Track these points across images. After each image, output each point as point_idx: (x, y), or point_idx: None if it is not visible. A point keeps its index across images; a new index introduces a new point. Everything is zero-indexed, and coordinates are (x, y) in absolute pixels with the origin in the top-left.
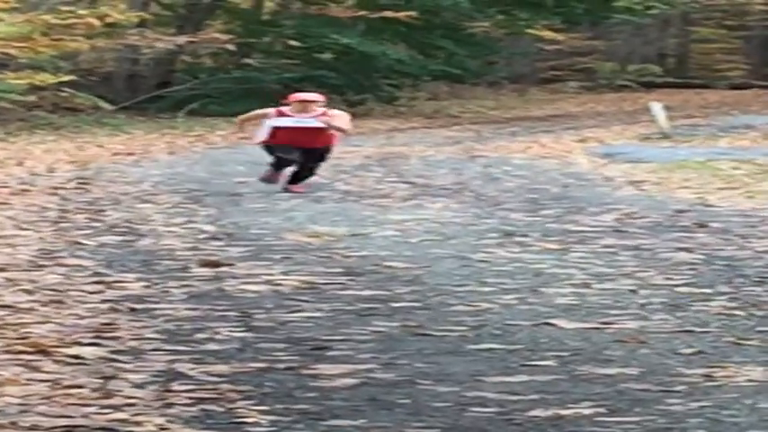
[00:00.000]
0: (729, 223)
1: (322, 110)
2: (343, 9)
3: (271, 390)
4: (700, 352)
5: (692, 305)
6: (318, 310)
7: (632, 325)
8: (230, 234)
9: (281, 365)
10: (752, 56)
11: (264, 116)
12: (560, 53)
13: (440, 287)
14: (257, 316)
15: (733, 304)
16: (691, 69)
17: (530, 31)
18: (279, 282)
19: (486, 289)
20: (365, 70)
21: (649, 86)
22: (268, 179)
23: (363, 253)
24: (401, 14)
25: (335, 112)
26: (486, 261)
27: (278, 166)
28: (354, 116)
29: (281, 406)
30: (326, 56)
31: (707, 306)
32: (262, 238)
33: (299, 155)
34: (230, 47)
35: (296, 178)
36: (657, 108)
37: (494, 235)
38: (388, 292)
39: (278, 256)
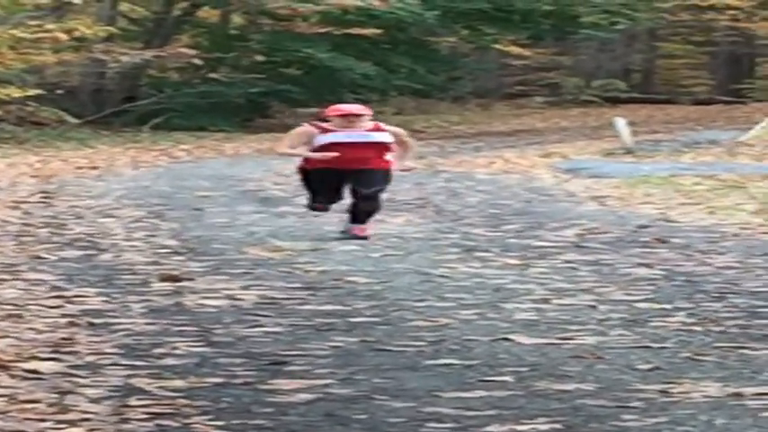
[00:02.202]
0: (690, 239)
1: (372, 124)
2: (310, 25)
3: (227, 405)
4: (657, 368)
5: (650, 321)
6: (277, 324)
7: (590, 340)
8: (192, 248)
9: (239, 380)
10: (717, 71)
11: (303, 134)
12: (526, 68)
13: (399, 302)
14: (216, 331)
15: (691, 320)
16: (656, 85)
17: (496, 46)
18: (239, 296)
19: (446, 304)
20: (331, 85)
21: (614, 102)
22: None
23: (324, 268)
24: (367, 31)
25: (390, 127)
26: (446, 276)
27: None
28: None
29: (238, 421)
30: (292, 71)
31: (665, 322)
32: (223, 252)
33: (338, 200)
34: (197, 61)
35: (359, 214)
36: (621, 123)
37: (455, 250)
38: (348, 307)
39: (239, 271)
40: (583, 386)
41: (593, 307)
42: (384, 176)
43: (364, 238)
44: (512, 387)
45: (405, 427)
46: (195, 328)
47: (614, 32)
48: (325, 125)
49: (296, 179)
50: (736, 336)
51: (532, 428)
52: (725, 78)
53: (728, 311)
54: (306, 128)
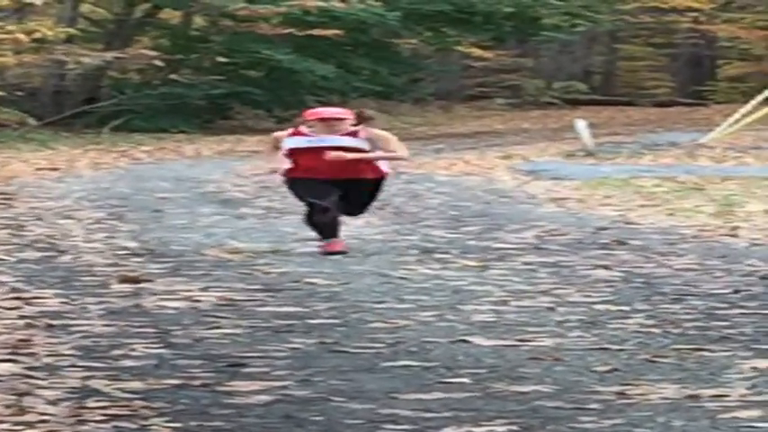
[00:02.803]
0: (649, 241)
1: (355, 129)
2: (272, 26)
3: (185, 407)
4: (615, 369)
5: (608, 323)
6: (236, 326)
7: (548, 342)
8: (151, 250)
9: (197, 382)
10: (678, 74)
11: (278, 137)
12: (487, 70)
13: (358, 304)
14: (174, 332)
15: (650, 322)
16: (617, 87)
17: (458, 47)
18: (198, 298)
19: (405, 306)
20: (292, 87)
21: (575, 103)
22: (327, 250)
23: (283, 269)
24: (328, 32)
25: (378, 131)
26: (405, 278)
27: (323, 224)
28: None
29: (195, 423)
30: (253, 72)
31: (624, 323)
32: (183, 254)
33: (335, 193)
34: (158, 63)
35: (327, 230)
36: (582, 125)
37: (414, 252)
38: (307, 309)
39: (198, 273)
40: (540, 388)
41: (552, 309)
42: (372, 191)
43: (338, 251)
44: (469, 389)
45: (362, 429)
46: (154, 330)
47: (575, 34)
48: (302, 129)
49: (256, 180)
50: (694, 337)
51: (490, 430)
52: (686, 80)
53: (687, 313)
54: (278, 133)
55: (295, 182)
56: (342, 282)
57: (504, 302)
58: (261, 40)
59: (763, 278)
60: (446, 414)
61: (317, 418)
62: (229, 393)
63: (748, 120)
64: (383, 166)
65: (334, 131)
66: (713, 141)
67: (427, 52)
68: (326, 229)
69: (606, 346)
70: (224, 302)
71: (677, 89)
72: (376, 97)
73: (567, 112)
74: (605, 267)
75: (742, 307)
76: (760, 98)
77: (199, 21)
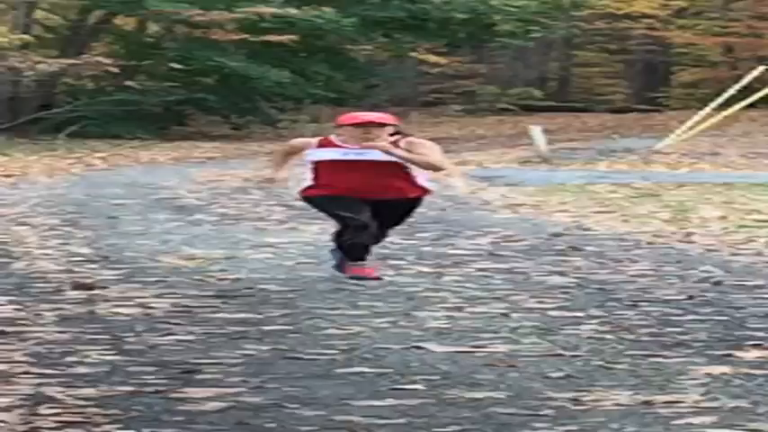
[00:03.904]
0: (604, 247)
1: (394, 138)
2: (226, 32)
3: (138, 413)
4: (568, 376)
5: (563, 329)
6: (190, 333)
7: (503, 348)
8: (105, 257)
9: (150, 389)
10: (633, 80)
11: (298, 144)
12: (442, 76)
13: (312, 310)
14: (128, 339)
15: (604, 328)
16: (572, 93)
17: (413, 54)
18: (151, 305)
19: (359, 312)
20: (247, 93)
21: (530, 110)
22: (355, 275)
23: (238, 276)
24: (284, 38)
25: (418, 140)
26: (359, 284)
27: (351, 241)
28: (235, 139)
29: (148, 430)
30: (208, 79)
31: (578, 330)
32: (137, 260)
33: (366, 209)
34: (113, 69)
35: (354, 251)
36: (537, 131)
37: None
38: (261, 316)
39: (152, 279)
40: (494, 394)
41: (506, 315)
42: (409, 204)
43: (371, 277)
44: (423, 395)
45: None
46: (107, 337)
47: (529, 41)
48: (333, 138)
49: (211, 186)
50: (648, 344)
51: None
52: (641, 87)
53: (641, 319)
54: (298, 141)
55: (319, 200)
56: (296, 288)
57: (459, 309)
58: (215, 47)
59: (716, 284)
60: (400, 420)
61: (270, 425)
62: (182, 400)
63: (703, 126)
64: (425, 182)
65: (372, 140)
66: (668, 147)
67: (382, 58)
68: (355, 250)
69: (560, 352)
70: (178, 309)
71: (632, 95)
72: (331, 103)
73: (522, 119)
74: (560, 273)
75: (696, 313)
76: (715, 104)
77: (153, 27)
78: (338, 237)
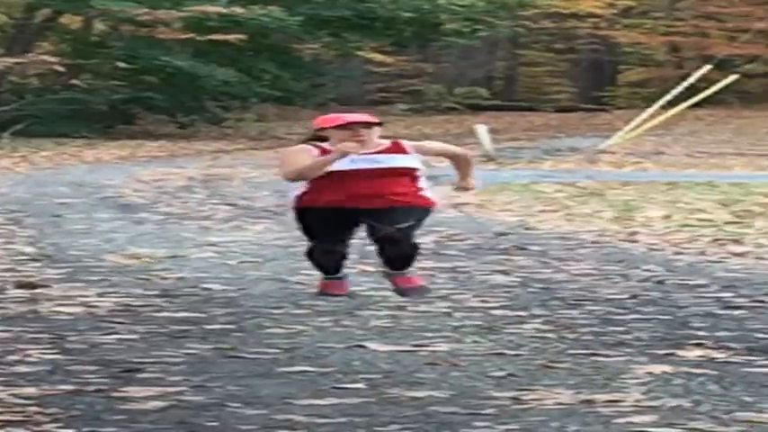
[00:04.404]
0: (548, 246)
1: (388, 141)
2: (172, 31)
3: (79, 413)
4: (510, 375)
5: (505, 328)
6: (132, 332)
7: (445, 347)
8: (49, 255)
9: (91, 388)
10: (579, 79)
11: (301, 151)
12: (389, 75)
13: (255, 309)
14: (70, 338)
15: (547, 327)
16: (518, 92)
17: (359, 53)
18: (94, 303)
19: (302, 311)
20: (193, 92)
21: (476, 109)
22: (324, 291)
23: (181, 275)
24: (230, 37)
25: (416, 143)
26: (303, 283)
27: (327, 263)
28: (181, 137)
29: (89, 429)
30: (154, 78)
31: (520, 329)
32: (80, 259)
33: (350, 237)
34: (59, 68)
35: (400, 260)
36: (482, 130)
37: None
38: (204, 314)
39: (95, 278)
40: (436, 393)
41: (449, 314)
42: (417, 212)
43: (416, 289)
44: (365, 394)
45: None
46: (49, 336)
47: (475, 40)
48: (325, 145)
49: (156, 185)
50: (590, 343)
51: None
52: (587, 86)
53: (584, 318)
54: (302, 146)
55: (312, 214)
56: (239, 287)
57: (402, 308)
58: (161, 46)
59: (659, 283)
60: (341, 419)
61: (212, 424)
62: (124, 399)
63: (648, 125)
64: (431, 193)
65: (361, 144)
66: (613, 147)
67: (328, 57)
68: (329, 267)
69: (502, 351)
70: (120, 308)
71: (578, 95)
72: (277, 102)
73: (468, 118)
74: (503, 272)
75: (638, 312)
76: (660, 103)
77: (99, 26)
78: (314, 247)
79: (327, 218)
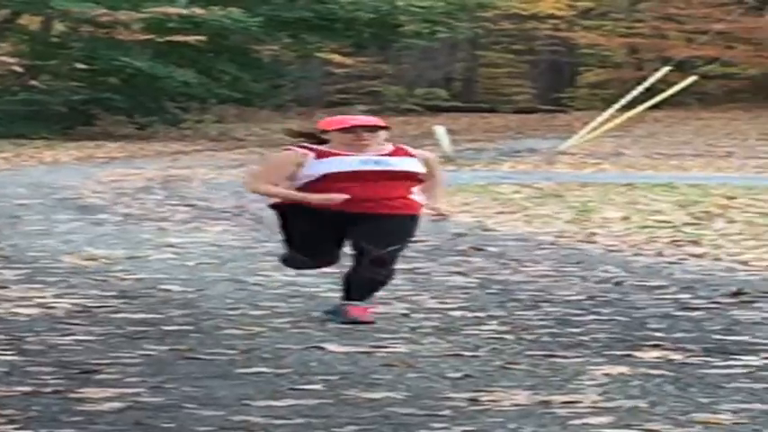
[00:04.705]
0: (506, 247)
1: (392, 145)
2: (132, 32)
3: (36, 414)
4: (467, 376)
5: (463, 329)
6: (90, 333)
7: (402, 349)
8: (6, 257)
9: (48, 389)
10: (538, 80)
11: (285, 163)
12: (348, 77)
13: (213, 310)
14: (28, 339)
15: (504, 328)
16: (477, 93)
17: (318, 54)
18: (52, 305)
19: (260, 312)
20: (152, 93)
21: (436, 110)
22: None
23: (139, 276)
24: (190, 38)
25: (417, 150)
26: (260, 284)
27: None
28: (140, 138)
29: (45, 430)
30: (114, 79)
31: (478, 330)
32: (38, 260)
33: (337, 252)
34: (18, 68)
35: (358, 287)
36: (441, 132)
37: (271, 258)
38: (161, 316)
39: (53, 279)
40: (393, 394)
41: (407, 315)
42: (409, 227)
43: (366, 322)
44: (322, 395)
45: None
46: (6, 337)
47: (435, 41)
48: (321, 147)
49: (115, 186)
50: (547, 344)
51: None
52: (546, 87)
53: (541, 320)
54: (289, 153)
55: (296, 216)
56: (197, 288)
57: None
58: (121, 47)
59: (617, 284)
60: (298, 420)
61: (169, 425)
62: (81, 400)
63: (607, 127)
64: (417, 197)
65: (367, 148)
66: (572, 148)
67: (288, 59)
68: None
69: (460, 352)
70: (78, 309)
71: (537, 96)
72: (237, 103)
73: (427, 119)
74: (462, 274)
75: (596, 313)
76: (619, 105)
77: (59, 27)
78: (289, 253)
79: (314, 223)
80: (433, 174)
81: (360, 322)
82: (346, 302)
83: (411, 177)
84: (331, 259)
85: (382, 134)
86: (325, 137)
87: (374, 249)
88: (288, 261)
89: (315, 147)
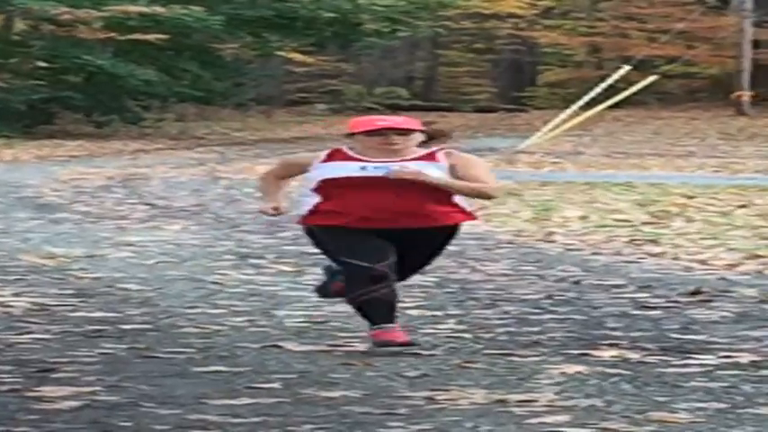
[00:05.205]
0: (465, 246)
1: (425, 149)
2: (92, 30)
3: None
4: (425, 375)
5: (421, 328)
6: (47, 331)
7: (360, 347)
8: None
9: (5, 388)
10: (499, 79)
11: (296, 162)
12: (309, 75)
13: (171, 309)
14: None
15: (462, 327)
16: (438, 92)
17: (279, 53)
18: (10, 303)
19: (218, 311)
20: (113, 91)
21: (396, 109)
22: (383, 340)
23: (98, 275)
24: (151, 36)
25: (464, 155)
26: (219, 283)
27: (375, 300)
28: (100, 137)
29: (2, 429)
30: (74, 77)
31: (436, 329)
32: None
33: (392, 251)
34: None
35: (370, 312)
36: None
37: (229, 257)
38: (119, 314)
39: (12, 278)
40: (350, 393)
41: None
42: (442, 242)
43: (404, 344)
44: (279, 394)
45: None
46: None
47: (396, 40)
48: (346, 150)
49: (75, 185)
50: (505, 343)
51: None
52: (506, 86)
53: (499, 318)
54: (307, 154)
55: (326, 232)
56: (155, 287)
57: (318, 308)
58: (82, 45)
59: (576, 283)
60: (254, 419)
61: (125, 424)
62: (38, 399)
63: (567, 126)
64: (466, 205)
65: (395, 153)
66: (532, 147)
67: (249, 57)
68: (378, 309)
69: (417, 351)
70: (36, 308)
71: (498, 95)
72: (197, 102)
73: None
74: (420, 272)
75: (554, 312)
76: (579, 104)
77: (20, 25)
78: (323, 289)
79: (348, 234)
80: (466, 176)
81: (397, 344)
82: (373, 327)
83: (422, 184)
84: (390, 258)
85: (415, 137)
86: (349, 140)
87: (374, 267)
88: (348, 281)
89: (341, 149)
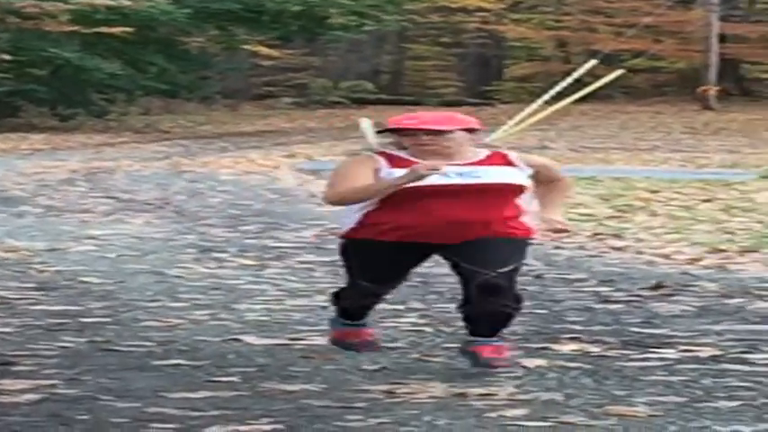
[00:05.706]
0: None
1: (486, 150)
2: (59, 23)
3: None
4: (384, 368)
5: (382, 321)
6: (7, 325)
7: (321, 341)
8: None
9: None
10: (465, 73)
11: (361, 166)
12: (275, 69)
13: (132, 302)
14: None
15: (423, 321)
16: (404, 86)
17: (245, 46)
18: None
19: (179, 305)
20: (77, 84)
21: (362, 103)
22: (345, 342)
23: (59, 268)
24: (116, 30)
25: (529, 156)
26: (180, 277)
27: (357, 310)
28: (64, 130)
29: None
30: (39, 70)
31: (397, 322)
32: None
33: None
34: None
35: (494, 319)
36: (366, 124)
37: (191, 250)
38: (80, 308)
39: None
40: (309, 387)
41: (327, 308)
42: (518, 247)
43: (501, 366)
44: (238, 387)
45: (128, 428)
46: None
47: (362, 34)
48: (399, 153)
49: (38, 178)
50: (465, 337)
51: (256, 429)
52: (473, 80)
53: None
54: (362, 157)
55: (362, 247)
56: (117, 280)
57: (279, 301)
58: (48, 38)
59: (538, 277)
60: (213, 412)
61: (84, 417)
62: None
63: (533, 120)
64: (530, 217)
65: (434, 155)
66: (497, 141)
67: (215, 50)
68: (355, 314)
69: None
70: None
71: (464, 89)
72: (162, 95)
73: (353, 112)
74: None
75: None
76: (545, 98)
77: None
78: (352, 284)
79: (389, 256)
80: (550, 179)
81: (494, 366)
82: (473, 339)
83: (511, 192)
84: (397, 283)
85: (459, 136)
86: (398, 138)
87: (482, 271)
88: (344, 293)
89: (393, 153)
